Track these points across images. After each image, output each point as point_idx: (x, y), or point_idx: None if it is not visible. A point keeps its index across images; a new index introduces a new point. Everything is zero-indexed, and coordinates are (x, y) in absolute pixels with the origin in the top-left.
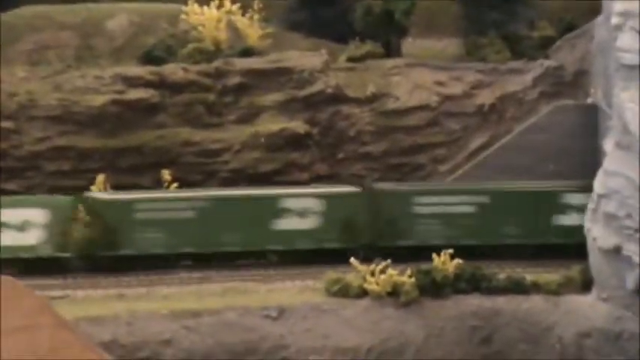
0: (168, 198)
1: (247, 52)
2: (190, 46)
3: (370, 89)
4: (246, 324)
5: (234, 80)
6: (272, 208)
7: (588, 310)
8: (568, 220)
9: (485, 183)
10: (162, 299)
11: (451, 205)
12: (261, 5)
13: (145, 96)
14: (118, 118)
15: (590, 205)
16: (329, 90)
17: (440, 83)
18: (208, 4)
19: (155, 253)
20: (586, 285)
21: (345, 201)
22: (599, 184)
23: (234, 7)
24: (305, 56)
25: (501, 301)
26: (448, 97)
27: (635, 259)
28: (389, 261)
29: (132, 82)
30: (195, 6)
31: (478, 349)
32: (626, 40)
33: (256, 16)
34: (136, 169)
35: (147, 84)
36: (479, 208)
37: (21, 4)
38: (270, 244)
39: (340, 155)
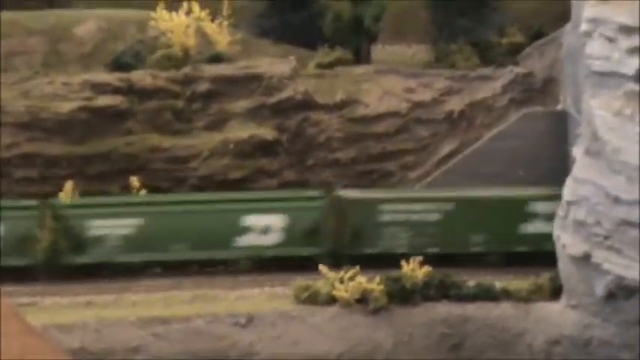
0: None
1: (216, 59)
2: (159, 52)
3: (339, 96)
4: (214, 331)
5: (203, 87)
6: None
7: (558, 317)
8: (535, 227)
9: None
10: (131, 306)
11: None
12: (230, 11)
13: (114, 102)
14: (86, 125)
15: (560, 212)
16: (298, 96)
17: (409, 90)
18: (177, 11)
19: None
20: (555, 292)
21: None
22: (568, 191)
23: (203, 14)
24: (274, 63)
25: (471, 308)
26: (417, 104)
27: (605, 266)
28: (357, 268)
29: (100, 88)
30: (164, 12)
31: (448, 356)
32: (595, 46)
33: (225, 22)
34: (105, 175)
35: (115, 90)
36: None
37: None
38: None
39: (309, 162)
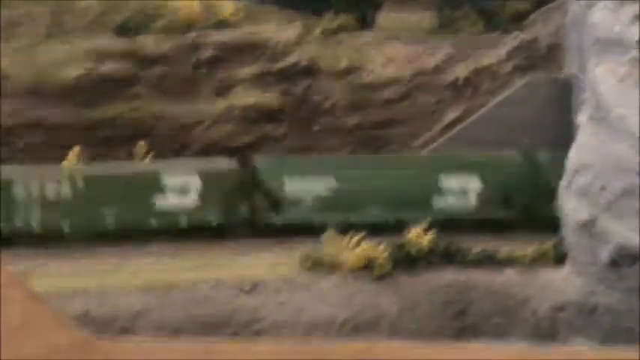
0: None
1: (221, 25)
2: (164, 19)
3: (344, 62)
4: (218, 297)
5: (208, 53)
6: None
7: (562, 283)
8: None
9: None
10: (134, 271)
11: None
12: None
13: (119, 69)
14: (91, 91)
15: (564, 179)
16: (303, 63)
17: (414, 56)
18: None
19: None
20: (560, 259)
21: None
22: (572, 157)
23: None
24: (279, 29)
25: (475, 275)
26: (422, 71)
27: (609, 232)
28: (363, 234)
29: (105, 55)
30: None
31: (452, 323)
32: (599, 13)
33: None
34: (111, 141)
35: (120, 57)
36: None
37: None
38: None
39: (314, 128)
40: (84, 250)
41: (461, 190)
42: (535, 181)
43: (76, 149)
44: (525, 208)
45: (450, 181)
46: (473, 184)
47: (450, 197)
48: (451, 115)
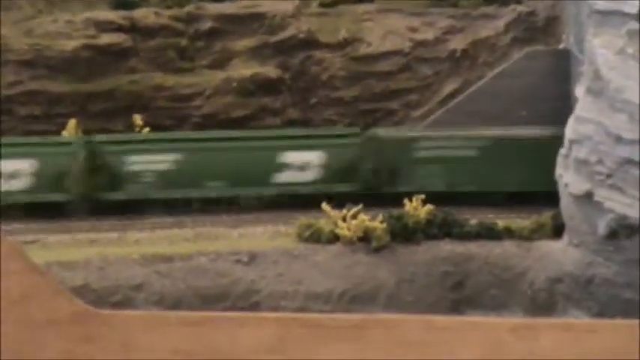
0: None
1: None
2: None
3: (342, 34)
4: (217, 269)
5: (206, 25)
6: None
7: (560, 255)
8: None
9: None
10: (134, 244)
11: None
12: None
13: (117, 40)
14: (89, 63)
15: (562, 151)
16: (301, 35)
17: (412, 29)
18: None
19: None
20: (558, 231)
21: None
22: (570, 129)
23: None
24: (277, 1)
25: (473, 247)
26: (420, 43)
27: (607, 204)
28: (360, 206)
29: (104, 26)
30: None
31: (450, 295)
32: None
33: None
34: (108, 113)
35: (119, 28)
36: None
37: None
38: None
39: (312, 100)
40: (84, 223)
41: (302, 165)
42: (378, 157)
43: (73, 121)
44: (366, 182)
45: (291, 157)
46: (315, 159)
47: (291, 172)
48: (449, 87)
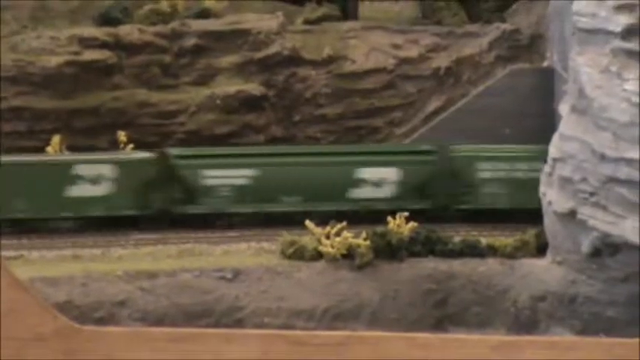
0: None
1: (204, 14)
2: (146, 7)
3: (326, 52)
4: (201, 285)
5: (191, 42)
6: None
7: (543, 273)
8: None
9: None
10: (117, 260)
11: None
12: None
13: (101, 57)
14: (74, 79)
15: (546, 169)
16: (285, 52)
17: (396, 46)
18: None
19: None
20: (541, 249)
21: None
22: (554, 148)
23: None
24: (261, 18)
25: (456, 264)
26: (404, 60)
27: (590, 222)
28: (344, 223)
29: (88, 43)
30: None
31: (433, 312)
32: (582, 3)
33: None
34: (92, 130)
35: (103, 45)
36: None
37: None
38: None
39: (296, 117)
40: (68, 239)
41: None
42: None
43: (56, 138)
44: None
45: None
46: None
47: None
48: (433, 104)
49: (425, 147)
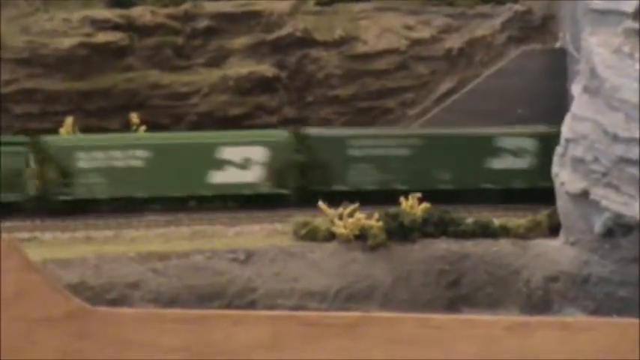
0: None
1: None
2: None
3: (339, 33)
4: (214, 267)
5: (203, 23)
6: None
7: (556, 254)
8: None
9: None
10: (130, 242)
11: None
12: None
13: (114, 39)
14: (86, 61)
15: (558, 150)
16: (297, 33)
17: (408, 27)
18: None
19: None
20: (554, 229)
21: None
22: (566, 128)
23: None
24: (274, 0)
25: (469, 245)
26: (416, 41)
27: (603, 203)
28: (357, 204)
29: (100, 25)
30: None
31: (446, 293)
32: None
33: None
34: (105, 112)
35: (115, 27)
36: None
37: None
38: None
39: (309, 99)
40: (81, 221)
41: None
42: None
43: (69, 119)
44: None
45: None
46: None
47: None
48: (445, 85)
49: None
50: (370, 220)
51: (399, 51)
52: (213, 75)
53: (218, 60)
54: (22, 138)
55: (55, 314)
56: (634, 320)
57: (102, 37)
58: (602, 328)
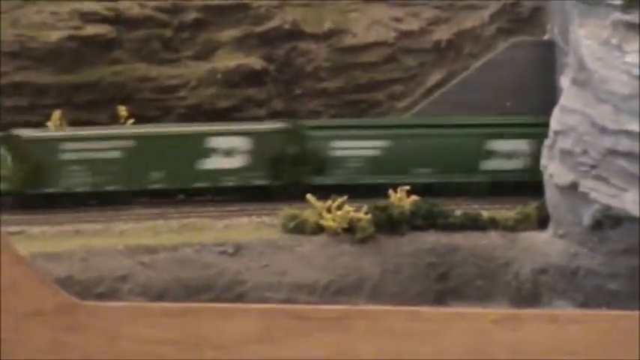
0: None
1: None
2: None
3: (327, 25)
4: (202, 260)
5: (191, 16)
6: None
7: (545, 246)
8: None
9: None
10: (119, 235)
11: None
12: None
13: (102, 32)
14: (74, 54)
15: (547, 142)
16: (286, 26)
17: (397, 19)
18: None
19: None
20: (542, 221)
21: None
22: (555, 120)
23: None
24: None
25: (458, 238)
26: (405, 34)
27: (591, 195)
28: (345, 197)
29: (88, 17)
30: None
31: (434, 286)
32: None
33: None
34: (93, 105)
35: (103, 20)
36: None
37: None
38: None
39: (297, 91)
40: (69, 215)
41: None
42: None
43: (57, 113)
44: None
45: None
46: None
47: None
48: (434, 77)
49: None
50: (359, 212)
51: (387, 43)
52: (202, 68)
53: (206, 53)
54: None
55: (44, 308)
56: (624, 312)
57: (90, 30)
58: (592, 320)
